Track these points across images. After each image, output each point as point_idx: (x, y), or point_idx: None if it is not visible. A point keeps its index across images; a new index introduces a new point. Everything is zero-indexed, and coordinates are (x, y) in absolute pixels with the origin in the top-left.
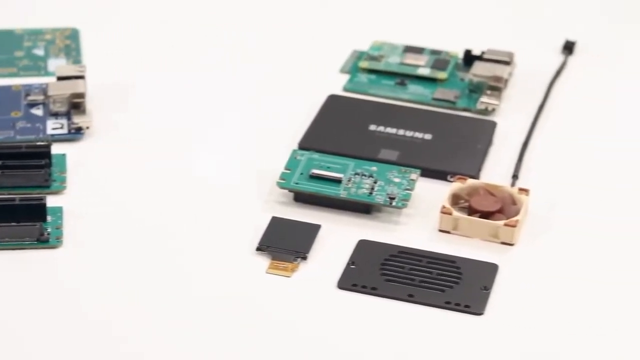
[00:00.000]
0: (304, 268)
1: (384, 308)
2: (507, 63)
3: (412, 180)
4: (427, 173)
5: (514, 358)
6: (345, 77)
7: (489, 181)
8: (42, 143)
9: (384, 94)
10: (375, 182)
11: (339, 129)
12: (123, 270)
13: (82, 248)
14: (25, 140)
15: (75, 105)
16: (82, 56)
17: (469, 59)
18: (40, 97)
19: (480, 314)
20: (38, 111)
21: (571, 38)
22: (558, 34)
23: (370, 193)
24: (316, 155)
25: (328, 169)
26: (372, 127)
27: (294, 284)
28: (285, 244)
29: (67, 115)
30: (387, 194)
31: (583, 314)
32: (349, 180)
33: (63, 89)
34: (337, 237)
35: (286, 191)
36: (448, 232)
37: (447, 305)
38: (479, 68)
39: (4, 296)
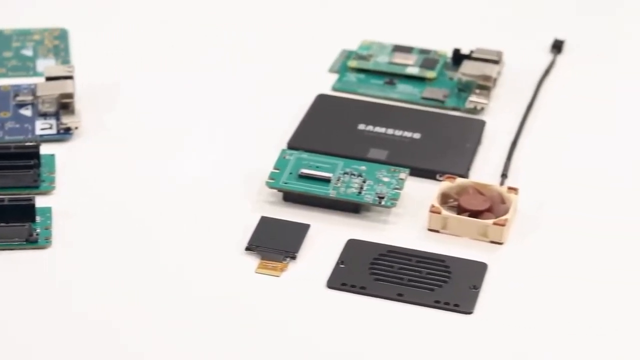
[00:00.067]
0: (293, 268)
1: (373, 307)
2: (495, 62)
3: (401, 179)
4: (416, 172)
5: (503, 357)
6: (334, 77)
7: (478, 180)
8: (31, 143)
9: (373, 94)
10: (364, 182)
11: (328, 128)
12: (112, 270)
13: (71, 248)
14: (14, 141)
15: (64, 105)
16: (71, 56)
17: (458, 58)
18: (29, 98)
19: (469, 313)
20: (27, 112)
21: (560, 37)
22: (547, 33)
23: (360, 192)
24: (305, 155)
25: (317, 168)
26: (361, 127)
27: (283, 284)
28: (274, 243)
29: (56, 115)
30: (376, 193)
31: (572, 313)
32: (338, 180)
33: (52, 89)
34: (327, 236)
35: (275, 191)
36: (437, 231)
37: (436, 305)
38: (467, 67)
39: None
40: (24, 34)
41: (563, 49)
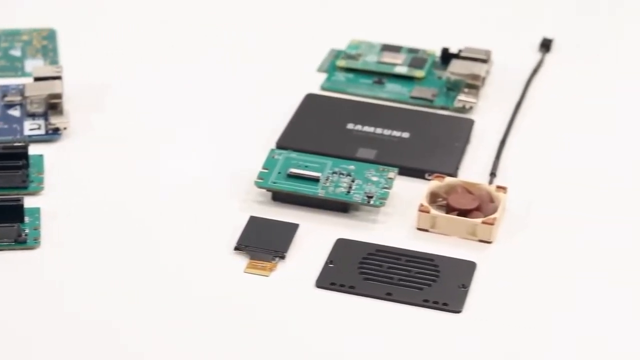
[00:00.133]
0: (282, 267)
1: (362, 306)
2: (484, 61)
3: (390, 178)
4: (405, 171)
5: (492, 356)
6: (323, 76)
7: (467, 179)
8: (19, 144)
9: (362, 93)
10: (353, 181)
11: (316, 128)
12: (101, 270)
13: (60, 248)
14: (3, 141)
15: (53, 105)
16: (59, 57)
17: (447, 57)
18: (18, 98)
19: (458, 311)
20: (15, 112)
21: (548, 36)
22: (535, 32)
23: (348, 192)
24: (294, 155)
25: (306, 168)
26: (350, 126)
27: (272, 284)
28: (263, 243)
29: (45, 116)
30: (365, 193)
31: (561, 311)
32: (326, 179)
33: (40, 89)
34: (315, 236)
35: (264, 190)
36: (426, 231)
37: (425, 304)
38: (456, 66)
39: None
40: (12, 34)
41: (551, 47)
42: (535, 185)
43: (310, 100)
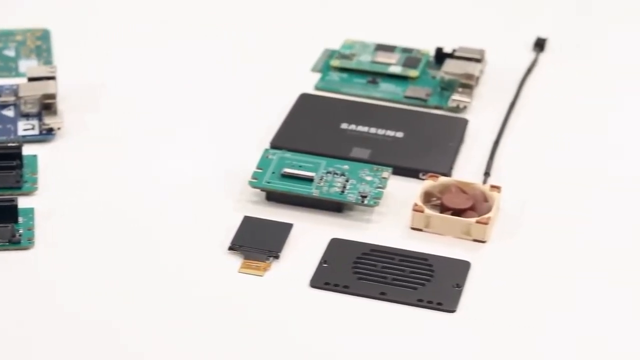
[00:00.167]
0: (276, 267)
1: (357, 306)
2: (478, 60)
3: (384, 178)
4: (399, 171)
5: (486, 355)
6: (317, 76)
7: (461, 179)
8: (13, 144)
9: (356, 93)
10: (347, 181)
11: (310, 127)
12: (95, 270)
13: (54, 249)
14: None
15: (47, 106)
16: (53, 57)
17: (440, 56)
18: (11, 98)
19: (452, 311)
20: (9, 112)
21: (542, 35)
22: (529, 31)
23: (342, 191)
24: (288, 154)
25: (300, 167)
26: (344, 126)
27: (267, 283)
28: (257, 243)
29: (38, 116)
30: (359, 193)
31: (555, 311)
32: (320, 179)
33: (34, 90)
34: (310, 235)
35: (258, 190)
36: (420, 230)
37: (419, 303)
38: (450, 66)
39: None
40: (6, 35)
41: (545, 47)
42: (529, 184)
43: (304, 100)
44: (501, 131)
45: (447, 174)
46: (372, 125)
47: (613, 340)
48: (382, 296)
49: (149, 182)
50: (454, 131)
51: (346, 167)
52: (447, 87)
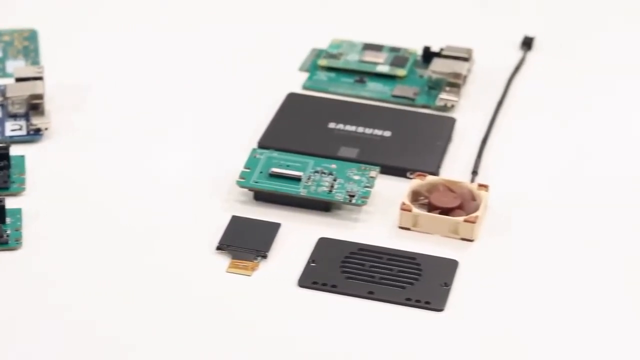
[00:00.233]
0: (265, 267)
1: (345, 306)
2: (465, 59)
3: (372, 177)
4: (387, 170)
5: (474, 354)
6: (305, 75)
7: (449, 177)
8: (0, 145)
9: (344, 92)
10: (334, 180)
11: (298, 127)
12: (83, 270)
13: (42, 249)
14: None
15: (34, 106)
16: (41, 57)
17: (428, 55)
18: None
19: (440, 310)
20: None
21: (530, 34)
22: (517, 30)
23: (330, 191)
24: (276, 154)
25: (287, 167)
26: (332, 125)
27: (255, 283)
28: (245, 242)
29: (26, 116)
30: (347, 192)
31: (543, 310)
32: (308, 179)
33: (21, 90)
34: (297, 235)
35: (246, 190)
36: (408, 229)
37: (407, 302)
38: (437, 65)
39: None
40: None
41: (533, 46)
42: (517, 183)
43: (292, 100)
44: (489, 130)
45: (435, 172)
46: (359, 124)
47: (601, 338)
48: (370, 295)
49: (136, 182)
50: (441, 130)
51: (334, 166)
52: (435, 86)
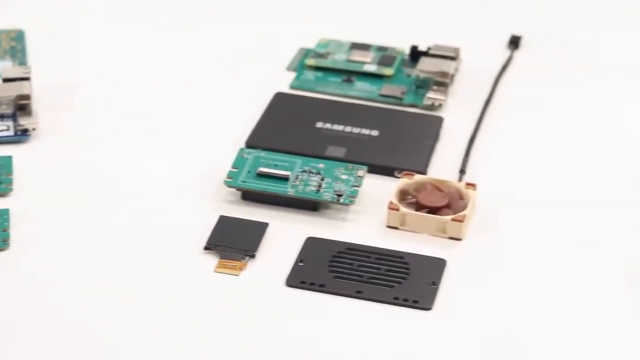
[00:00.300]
0: (252, 266)
1: (333, 305)
2: (453, 58)
3: (360, 176)
4: (375, 169)
5: (462, 353)
6: (292, 75)
7: (436, 176)
8: None
9: (331, 91)
10: (322, 180)
11: (286, 126)
12: (71, 271)
13: (29, 250)
14: None
15: (21, 107)
16: (28, 58)
17: (415, 55)
18: None
19: (428, 309)
20: None
21: (517, 33)
22: (504, 29)
23: (318, 190)
24: (263, 154)
25: (275, 167)
26: (319, 125)
27: (243, 283)
28: (233, 242)
29: (13, 117)
30: (335, 191)
31: (530, 309)
32: (296, 178)
33: (9, 90)
34: (285, 234)
35: (233, 190)
36: (396, 228)
37: (395, 301)
38: (425, 64)
39: None
40: None
41: (520, 44)
42: (505, 182)
43: (279, 99)
44: (476, 129)
45: (423, 172)
46: (347, 123)
47: (589, 336)
48: (358, 294)
49: (124, 182)
50: (429, 129)
51: (322, 165)
52: (422, 85)
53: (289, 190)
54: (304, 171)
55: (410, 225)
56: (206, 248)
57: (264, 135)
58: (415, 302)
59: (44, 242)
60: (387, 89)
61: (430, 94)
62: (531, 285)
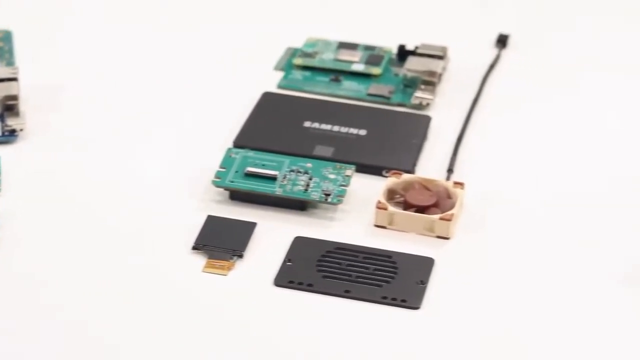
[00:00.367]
0: (241, 266)
1: (321, 304)
2: (440, 57)
3: (348, 176)
4: (362, 169)
5: (450, 352)
6: (280, 75)
7: (424, 176)
8: None
9: (319, 91)
10: (310, 179)
11: (273, 126)
12: (60, 271)
13: (18, 250)
14: None
15: (9, 107)
16: (15, 58)
17: (403, 54)
18: None
19: (416, 308)
20: None
21: (504, 31)
22: (491, 28)
23: (306, 190)
24: (251, 153)
25: (263, 166)
26: (307, 124)
27: (231, 283)
28: (221, 242)
29: (1, 117)
30: (323, 191)
31: (519, 307)
32: (284, 178)
33: None
34: (273, 234)
35: (221, 190)
36: (384, 227)
37: (383, 300)
38: (412, 63)
39: None
40: None
41: (508, 43)
42: (493, 181)
43: (267, 99)
44: (464, 128)
45: (411, 171)
46: (335, 123)
47: (578, 334)
48: (346, 294)
49: (112, 182)
50: (417, 128)
51: (309, 165)
52: (410, 84)
53: (276, 189)
54: (292, 171)
55: (398, 225)
56: (194, 248)
57: (251, 135)
58: (403, 301)
59: (32, 242)
60: (374, 88)
61: (418, 93)
62: (519, 284)
